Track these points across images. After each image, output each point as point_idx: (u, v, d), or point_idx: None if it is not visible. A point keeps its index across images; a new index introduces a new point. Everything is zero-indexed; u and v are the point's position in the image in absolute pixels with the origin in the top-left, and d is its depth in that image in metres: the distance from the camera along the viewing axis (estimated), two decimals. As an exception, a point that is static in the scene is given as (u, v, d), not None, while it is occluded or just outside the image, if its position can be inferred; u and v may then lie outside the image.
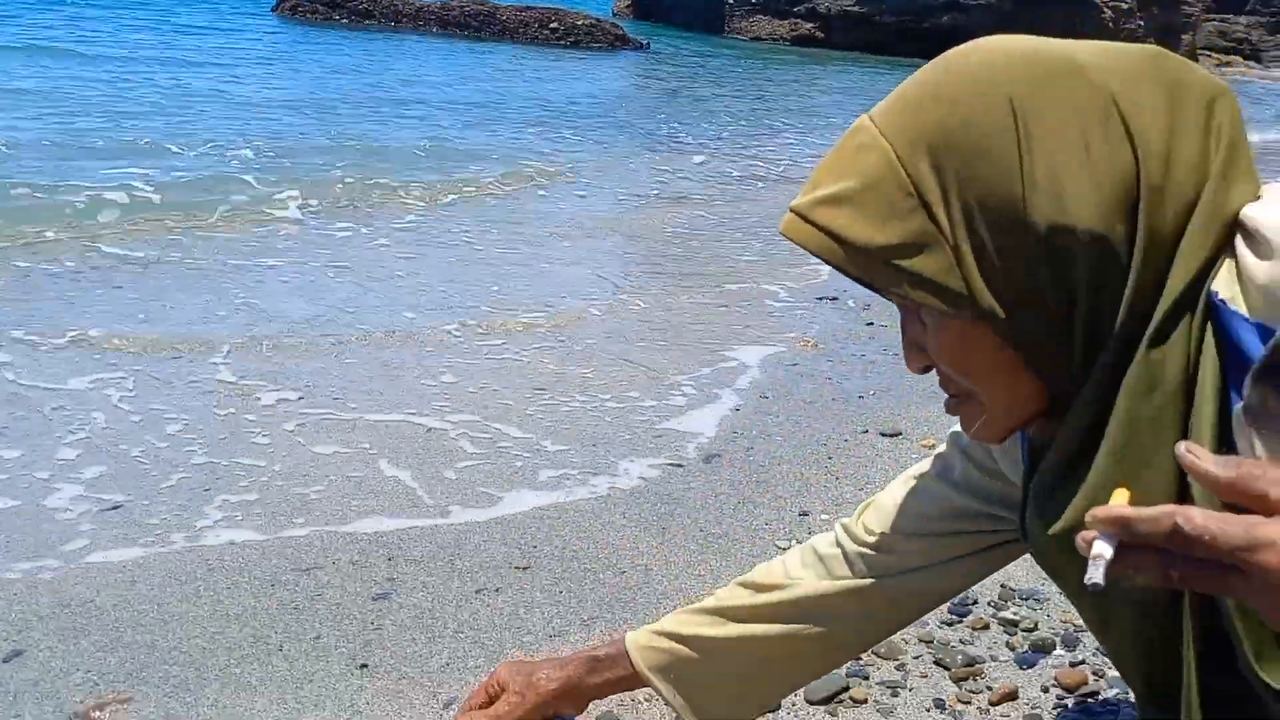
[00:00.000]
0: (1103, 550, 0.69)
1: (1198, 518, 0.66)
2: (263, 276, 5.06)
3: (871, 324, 4.66)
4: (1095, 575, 0.68)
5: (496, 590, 2.37)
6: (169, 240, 5.62)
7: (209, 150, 8.01)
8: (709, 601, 1.38)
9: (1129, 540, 0.69)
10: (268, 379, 3.73)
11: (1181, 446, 0.70)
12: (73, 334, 4.04)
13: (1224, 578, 0.67)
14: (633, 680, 1.39)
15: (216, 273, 5.07)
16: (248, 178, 7.15)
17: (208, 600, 2.34)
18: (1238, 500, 0.68)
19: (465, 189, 7.47)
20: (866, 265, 0.92)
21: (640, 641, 1.38)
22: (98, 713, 1.91)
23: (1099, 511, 0.70)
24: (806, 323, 4.74)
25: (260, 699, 1.96)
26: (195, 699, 1.96)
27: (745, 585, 1.37)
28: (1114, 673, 1.91)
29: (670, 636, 1.36)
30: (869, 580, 1.29)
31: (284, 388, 3.66)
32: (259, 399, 3.56)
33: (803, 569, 1.34)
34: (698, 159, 9.52)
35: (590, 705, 1.45)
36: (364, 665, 2.06)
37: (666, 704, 1.36)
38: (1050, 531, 0.94)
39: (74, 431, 3.22)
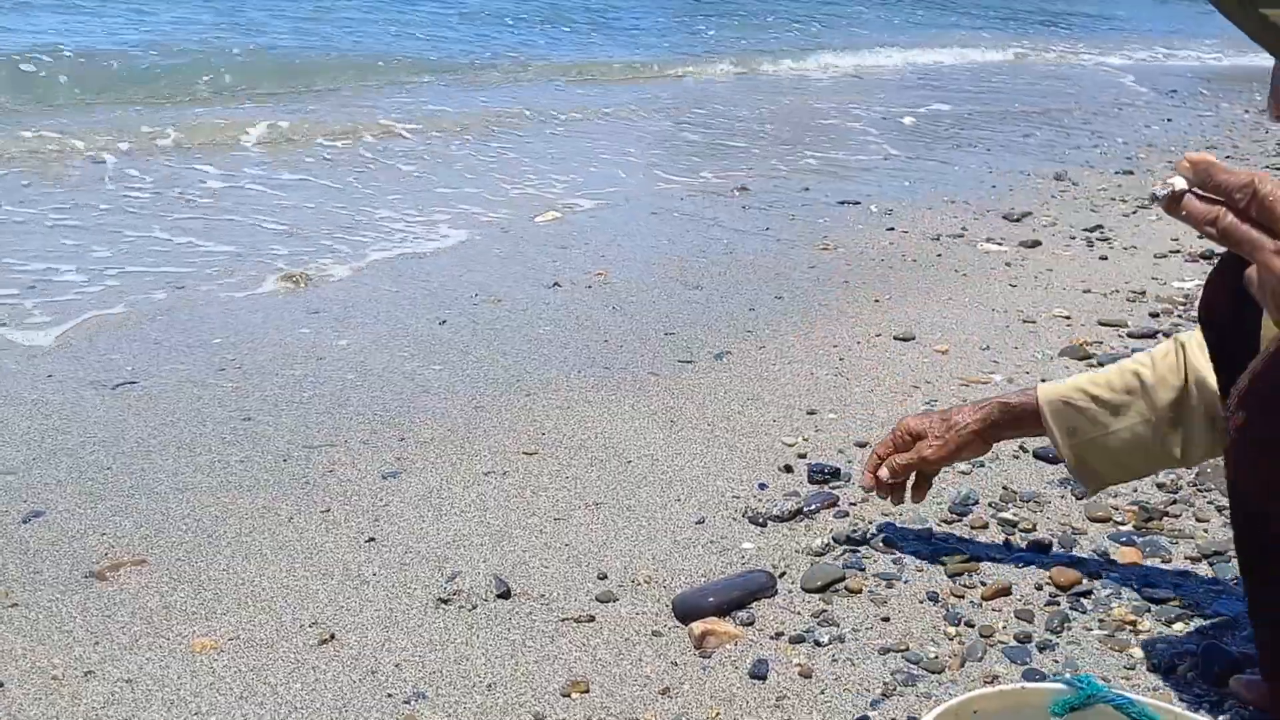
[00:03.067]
0: (1177, 182, 0.85)
1: (1270, 184, 0.79)
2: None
3: (892, 229, 4.61)
4: (1157, 190, 0.88)
5: (504, 473, 2.40)
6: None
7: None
8: (1111, 377, 1.65)
9: (1205, 187, 0.83)
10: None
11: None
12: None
13: (1259, 243, 0.79)
14: (1035, 429, 1.76)
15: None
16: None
17: (220, 472, 2.39)
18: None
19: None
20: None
21: (1051, 399, 1.70)
22: (113, 573, 1.97)
23: (1192, 155, 0.84)
24: (826, 226, 4.69)
25: (270, 566, 2.01)
26: (207, 563, 2.02)
27: (1134, 374, 1.62)
28: (1108, 573, 1.94)
29: (1073, 405, 1.68)
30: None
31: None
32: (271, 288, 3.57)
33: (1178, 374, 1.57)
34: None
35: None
36: (371, 539, 2.11)
37: (1055, 452, 1.77)
38: None
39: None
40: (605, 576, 1.98)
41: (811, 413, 2.73)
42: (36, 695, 1.63)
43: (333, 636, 1.79)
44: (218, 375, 2.93)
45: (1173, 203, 0.84)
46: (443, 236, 4.42)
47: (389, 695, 1.65)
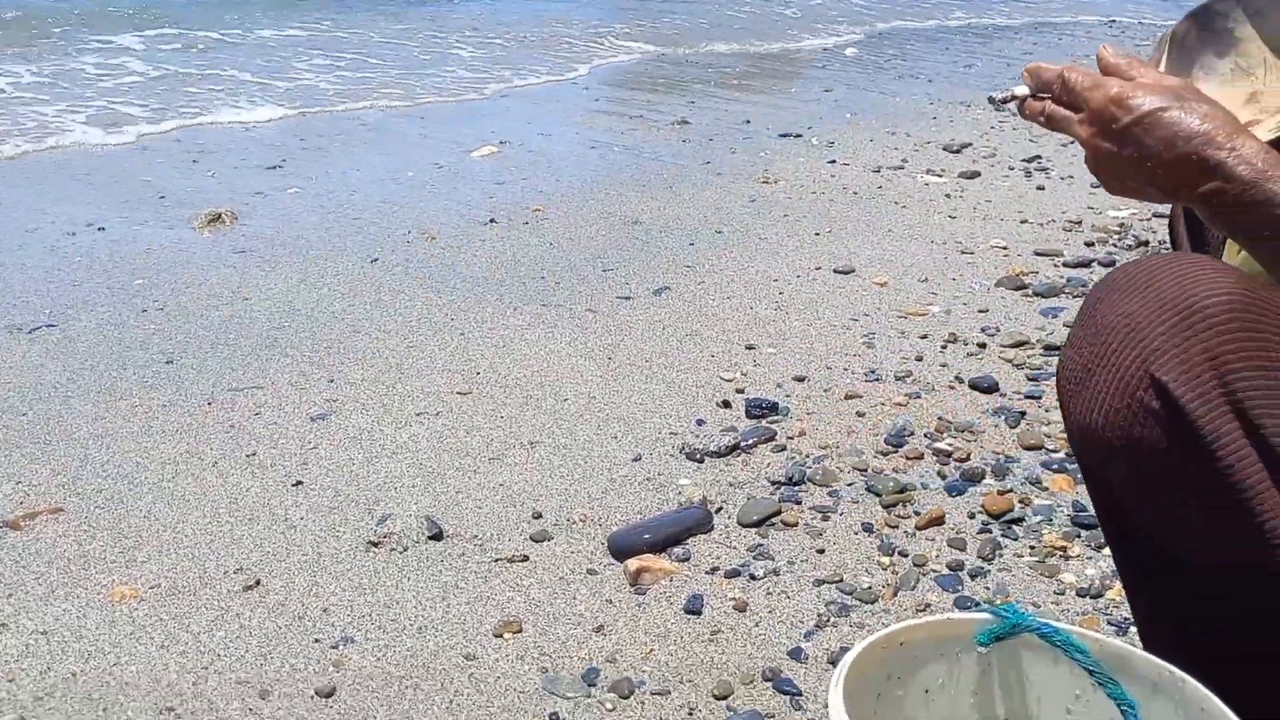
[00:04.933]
0: (1019, 89, 1.02)
1: (1074, 71, 0.96)
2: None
3: (833, 161, 4.58)
4: (994, 95, 1.04)
5: (437, 414, 2.35)
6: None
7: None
8: None
9: (1036, 86, 1.00)
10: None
11: (1103, 47, 0.99)
12: None
13: (1070, 119, 0.96)
14: None
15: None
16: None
17: (142, 417, 2.31)
18: (1111, 73, 0.96)
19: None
20: None
21: None
22: (28, 522, 1.90)
23: (1029, 66, 1.00)
24: (766, 159, 4.64)
25: (193, 512, 1.95)
26: (127, 511, 1.95)
27: None
28: (1039, 499, 1.95)
29: None
30: None
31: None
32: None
33: None
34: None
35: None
36: (299, 483, 2.06)
37: None
38: None
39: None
40: (540, 516, 1.95)
41: (750, 347, 2.70)
42: (-54, 650, 1.57)
43: (258, 582, 1.75)
44: (139, 318, 2.83)
45: (1010, 101, 1.02)
46: (372, 172, 4.30)
47: (316, 641, 1.61)
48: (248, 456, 2.15)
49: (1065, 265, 3.32)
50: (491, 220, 3.72)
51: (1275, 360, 0.85)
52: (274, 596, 1.71)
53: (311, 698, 1.49)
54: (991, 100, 1.05)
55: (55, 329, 2.74)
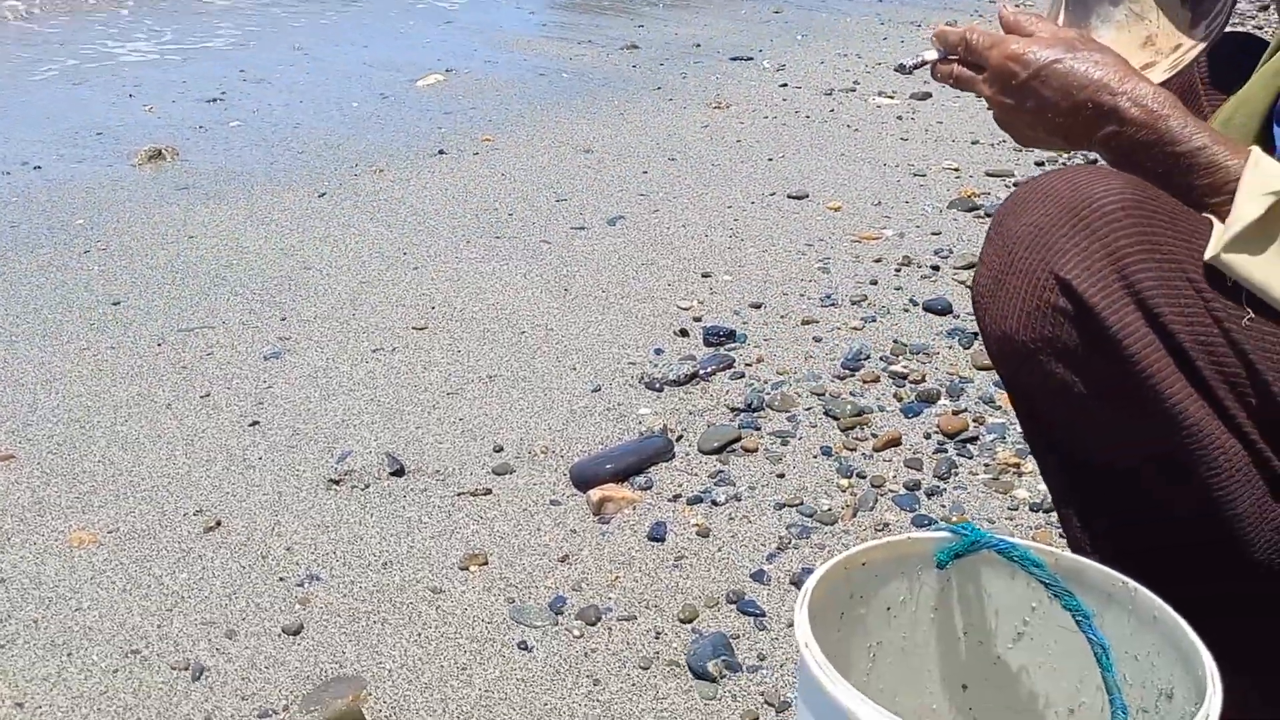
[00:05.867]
0: (928, 54, 1.07)
1: (976, 33, 1.01)
2: None
3: (785, 85, 4.54)
4: (906, 61, 1.10)
5: (393, 350, 2.33)
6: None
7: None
8: None
9: (945, 49, 1.05)
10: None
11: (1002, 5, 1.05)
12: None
13: (974, 79, 1.02)
14: None
15: None
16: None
17: (90, 360, 2.26)
18: (1011, 30, 1.01)
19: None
20: None
21: None
22: (-22, 470, 1.87)
23: (937, 30, 1.05)
24: (718, 84, 4.59)
25: (149, 455, 1.93)
26: (81, 455, 1.93)
27: None
28: (992, 418, 1.99)
29: None
30: None
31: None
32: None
33: None
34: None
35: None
36: (255, 422, 2.04)
37: None
38: None
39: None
40: (501, 449, 1.95)
41: (706, 275, 2.70)
42: (-98, 602, 1.55)
43: (219, 523, 1.74)
44: (82, 258, 2.76)
45: (931, 70, 1.07)
46: (316, 104, 4.20)
47: (280, 580, 1.61)
48: (202, 397, 2.13)
49: (1016, 186, 3.34)
50: (440, 151, 3.65)
51: (1167, 253, 0.89)
52: (236, 537, 1.71)
53: (279, 636, 1.50)
54: (902, 68, 1.12)
55: (-6, 271, 2.67)
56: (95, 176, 3.35)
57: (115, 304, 2.51)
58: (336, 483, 1.86)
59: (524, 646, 1.46)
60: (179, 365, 2.25)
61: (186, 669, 1.43)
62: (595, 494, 1.78)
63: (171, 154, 3.49)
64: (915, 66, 1.10)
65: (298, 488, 1.84)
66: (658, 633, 1.48)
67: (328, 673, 1.43)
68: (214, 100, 4.21)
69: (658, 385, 2.15)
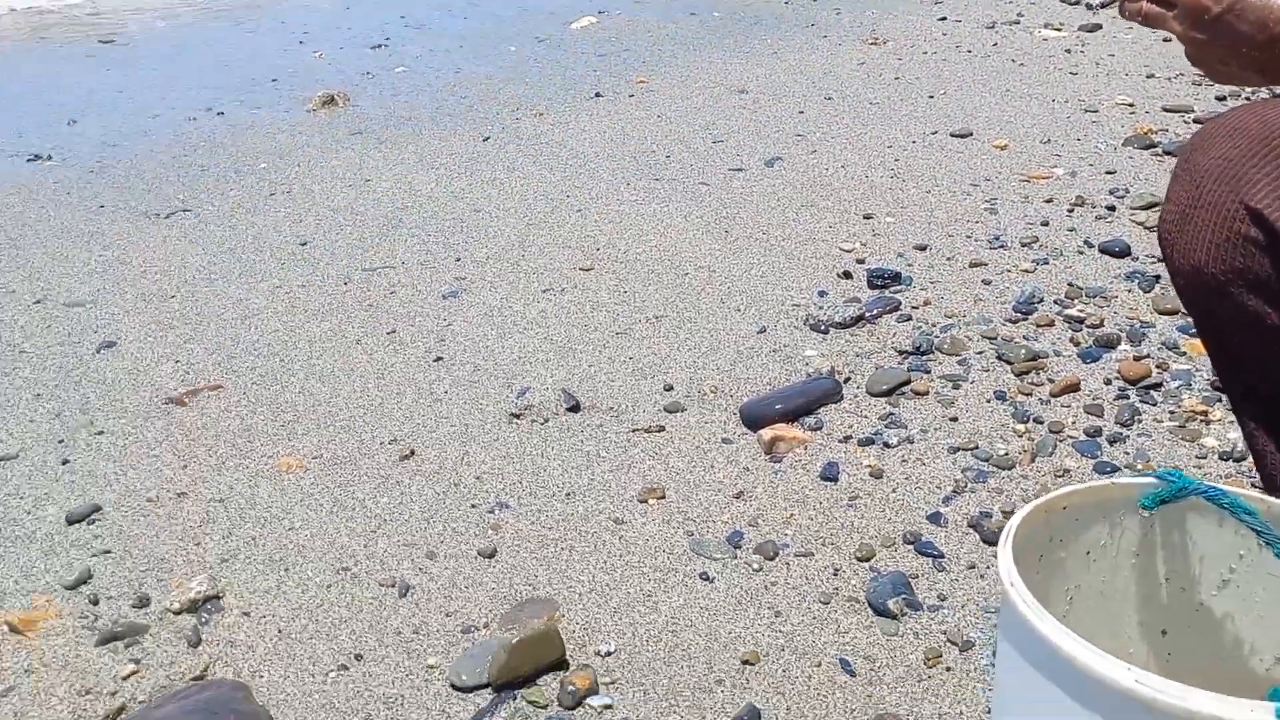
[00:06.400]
0: None
1: None
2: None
3: (944, 19, 4.40)
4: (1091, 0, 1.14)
5: (562, 290, 2.40)
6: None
7: None
8: None
9: None
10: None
11: None
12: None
13: (1163, 16, 1.00)
14: None
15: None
16: None
17: (284, 297, 2.41)
18: None
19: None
20: None
21: None
22: (191, 399, 2.02)
23: None
24: (874, 19, 4.49)
25: (344, 388, 2.05)
26: (282, 387, 2.06)
27: None
28: (1177, 364, 1.93)
29: None
30: None
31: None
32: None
33: None
34: None
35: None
36: (439, 358, 2.14)
37: None
38: None
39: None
40: (671, 388, 2.00)
41: (868, 217, 2.68)
42: (135, 517, 1.70)
43: (413, 452, 1.85)
44: (269, 201, 2.92)
45: (1120, 8, 1.05)
46: (475, 49, 4.29)
47: (473, 506, 1.71)
48: (388, 334, 2.24)
49: (1196, 122, 3.18)
50: (597, 94, 3.69)
51: None
52: (429, 465, 1.81)
53: (475, 558, 1.59)
54: (1088, 5, 1.14)
55: (190, 214, 2.85)
56: (274, 122, 3.52)
57: (303, 244, 2.66)
58: (517, 417, 1.94)
59: (705, 577, 1.52)
60: (365, 303, 2.37)
61: (393, 586, 1.54)
62: (766, 433, 1.82)
63: (343, 99, 3.63)
64: (1103, 5, 1.10)
65: (482, 421, 1.93)
66: (835, 569, 1.52)
67: (522, 594, 1.52)
68: (378, 46, 4.34)
69: (823, 327, 2.16)
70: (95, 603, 1.52)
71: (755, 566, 1.53)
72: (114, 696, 1.36)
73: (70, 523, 1.68)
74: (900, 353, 2.05)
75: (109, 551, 1.62)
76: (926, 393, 1.92)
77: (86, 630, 1.47)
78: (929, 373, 1.98)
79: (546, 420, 1.93)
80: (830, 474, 1.72)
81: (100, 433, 1.92)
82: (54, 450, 1.86)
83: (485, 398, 2.01)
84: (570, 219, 2.77)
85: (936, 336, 2.09)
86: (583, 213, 2.80)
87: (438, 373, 2.10)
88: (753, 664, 1.36)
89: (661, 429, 1.88)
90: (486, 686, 1.36)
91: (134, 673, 1.40)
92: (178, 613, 1.49)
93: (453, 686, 1.36)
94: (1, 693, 1.37)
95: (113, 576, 1.57)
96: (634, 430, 1.88)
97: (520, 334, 2.23)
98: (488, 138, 3.34)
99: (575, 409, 1.96)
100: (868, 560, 1.53)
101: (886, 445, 1.78)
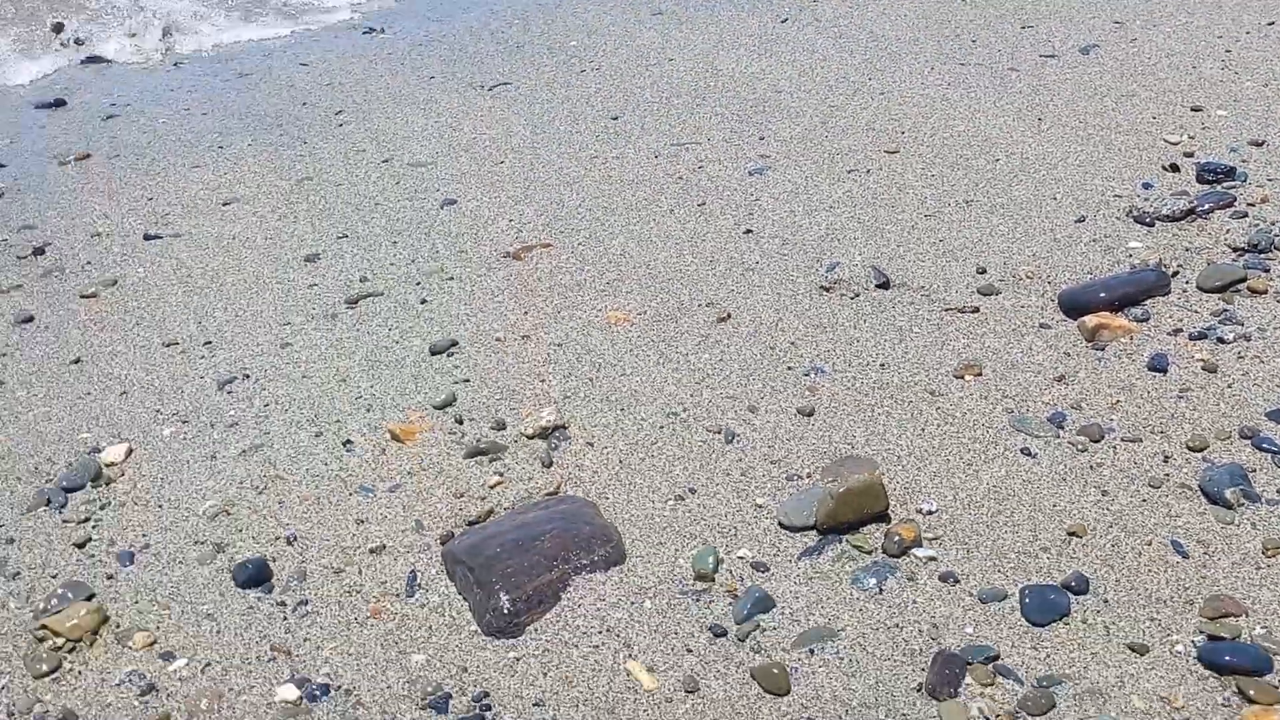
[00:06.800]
0: None
1: None
2: None
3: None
4: None
5: (868, 171, 2.42)
6: None
7: None
8: None
9: None
10: None
11: None
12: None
13: None
14: None
15: None
16: None
17: (600, 167, 2.55)
18: None
19: None
20: None
21: None
22: (526, 254, 2.20)
23: None
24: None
25: (661, 252, 2.17)
26: (605, 248, 2.21)
27: None
28: None
29: None
30: None
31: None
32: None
33: None
34: None
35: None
36: (749, 231, 2.22)
37: None
38: None
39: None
40: (984, 271, 2.00)
41: (1196, 109, 2.52)
42: (487, 353, 1.89)
43: (729, 315, 1.95)
44: (580, 77, 3.06)
45: None
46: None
47: (789, 368, 1.79)
48: (698, 205, 2.34)
49: None
50: None
51: None
52: (744, 328, 1.91)
53: (794, 415, 1.68)
54: None
55: (510, 86, 3.03)
56: (581, 1, 3.65)
57: (614, 118, 2.79)
58: (827, 290, 2.00)
59: (1027, 453, 1.54)
60: (675, 176, 2.47)
61: (719, 433, 1.66)
62: (1090, 320, 1.80)
63: (643, -20, 3.70)
64: None
65: (793, 291, 2.01)
66: (1165, 456, 1.51)
67: (841, 450, 1.60)
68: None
69: (1148, 220, 2.09)
70: (460, 422, 1.72)
71: (1079, 447, 1.54)
72: (483, 501, 1.56)
73: (433, 353, 1.89)
74: (1234, 249, 1.96)
75: (468, 380, 1.82)
76: (1265, 291, 1.83)
77: (455, 444, 1.67)
78: (1267, 271, 1.88)
79: (857, 295, 1.98)
80: (1159, 365, 1.68)
81: (450, 278, 2.13)
82: (413, 291, 2.08)
83: (795, 270, 2.07)
84: (873, 102, 2.75)
85: (1276, 235, 1.97)
86: (886, 96, 2.78)
87: (748, 244, 2.18)
88: (1079, 536, 1.39)
89: (976, 310, 1.89)
90: (812, 529, 1.46)
91: (499, 483, 1.58)
92: (531, 437, 1.67)
93: (780, 524, 1.47)
94: (391, 488, 1.59)
95: (472, 401, 1.76)
96: (946, 309, 1.90)
97: (827, 212, 2.27)
98: (785, 19, 3.34)
99: (885, 285, 1.99)
100: (1200, 450, 1.51)
101: (1221, 341, 1.73)
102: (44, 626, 1.34)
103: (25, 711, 1.26)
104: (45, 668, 1.30)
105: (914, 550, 1.41)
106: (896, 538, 1.42)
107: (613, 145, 2.64)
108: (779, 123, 2.69)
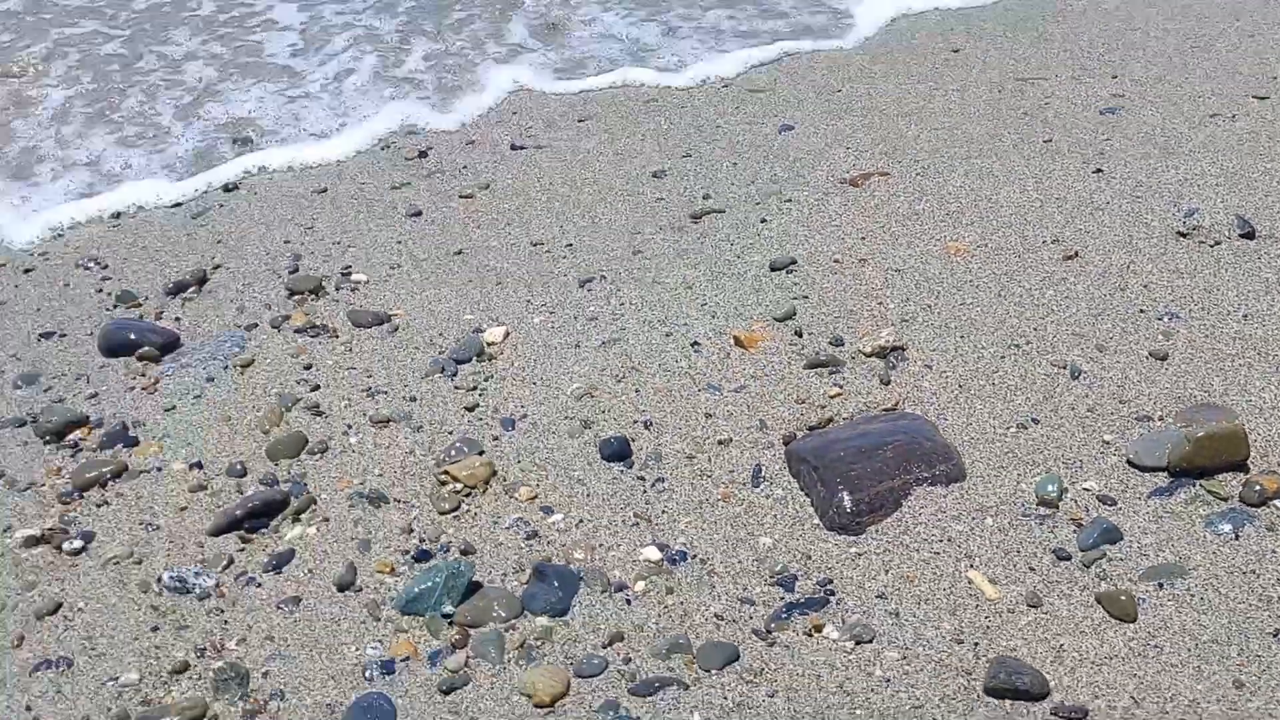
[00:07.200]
0: None
1: None
2: None
3: None
4: None
5: (1233, 117, 2.28)
6: None
7: None
8: None
9: None
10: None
11: None
12: None
13: None
14: None
15: None
16: None
17: (940, 98, 2.53)
18: None
19: None
20: None
21: None
22: (863, 181, 2.24)
23: None
24: None
25: (1004, 187, 2.15)
26: (944, 180, 2.21)
27: None
28: None
29: None
30: None
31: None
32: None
33: None
34: None
35: None
36: (1099, 170, 2.16)
37: None
38: None
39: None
40: (1368, 227, 1.86)
41: None
42: (824, 274, 1.96)
43: (1076, 254, 1.91)
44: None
45: None
46: None
47: (1141, 311, 1.75)
48: (1044, 142, 2.29)
49: None
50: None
51: None
52: (1093, 268, 1.88)
53: (1145, 358, 1.65)
54: None
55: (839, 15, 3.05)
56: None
57: (955, 51, 2.75)
58: (1184, 235, 1.92)
59: None
60: (1020, 111, 2.42)
61: (1064, 368, 1.65)
62: None
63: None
64: None
65: (1147, 235, 1.94)
66: None
67: (1196, 398, 1.56)
68: None
69: None
70: (799, 335, 1.80)
71: None
72: (823, 409, 1.64)
73: (773, 270, 1.98)
74: None
75: (806, 297, 1.90)
76: None
77: (796, 355, 1.76)
78: None
79: (1217, 243, 1.90)
80: None
81: (788, 200, 2.20)
82: (753, 211, 2.17)
83: (1149, 213, 2.00)
84: (1241, 44, 2.57)
85: None
86: (1255, 38, 2.59)
87: (1098, 184, 2.12)
88: None
89: (1356, 268, 1.77)
90: (1164, 470, 1.44)
91: (838, 395, 1.66)
92: (868, 355, 1.73)
93: (1129, 463, 1.47)
94: (735, 389, 1.70)
95: (811, 317, 1.84)
96: (1322, 265, 1.79)
97: (1186, 156, 2.16)
98: (1145, -47, 3.14)
99: (1249, 235, 1.90)
100: None
101: None
102: (446, 472, 1.55)
103: (434, 540, 1.47)
104: (447, 506, 1.51)
105: (1274, 501, 1.37)
106: (1258, 487, 1.38)
107: (953, 78, 2.61)
108: (1133, 61, 2.57)
